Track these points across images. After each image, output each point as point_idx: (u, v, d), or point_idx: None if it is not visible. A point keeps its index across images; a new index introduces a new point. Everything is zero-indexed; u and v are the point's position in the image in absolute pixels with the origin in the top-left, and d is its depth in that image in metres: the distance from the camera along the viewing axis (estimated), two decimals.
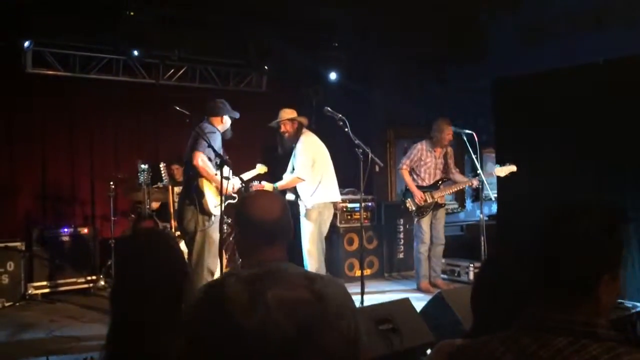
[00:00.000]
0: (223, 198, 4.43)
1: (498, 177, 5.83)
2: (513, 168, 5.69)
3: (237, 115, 5.01)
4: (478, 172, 5.64)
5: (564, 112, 5.63)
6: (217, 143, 4.59)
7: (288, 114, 5.49)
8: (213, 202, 4.63)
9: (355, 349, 1.65)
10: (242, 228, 1.89)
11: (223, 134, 4.86)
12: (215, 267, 4.64)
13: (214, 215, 4.65)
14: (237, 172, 4.86)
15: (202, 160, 4.53)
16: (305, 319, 1.58)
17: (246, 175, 5.20)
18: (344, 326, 1.64)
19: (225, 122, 4.91)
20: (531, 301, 1.26)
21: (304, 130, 5.47)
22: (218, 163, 4.35)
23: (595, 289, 1.18)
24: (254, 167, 5.57)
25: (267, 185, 5.29)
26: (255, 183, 5.35)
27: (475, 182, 5.74)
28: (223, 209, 4.38)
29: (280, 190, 5.33)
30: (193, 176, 4.65)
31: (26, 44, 5.81)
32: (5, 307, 5.46)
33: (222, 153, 4.50)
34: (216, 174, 4.47)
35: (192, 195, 4.64)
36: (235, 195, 4.80)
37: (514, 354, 1.18)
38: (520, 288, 1.43)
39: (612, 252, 1.19)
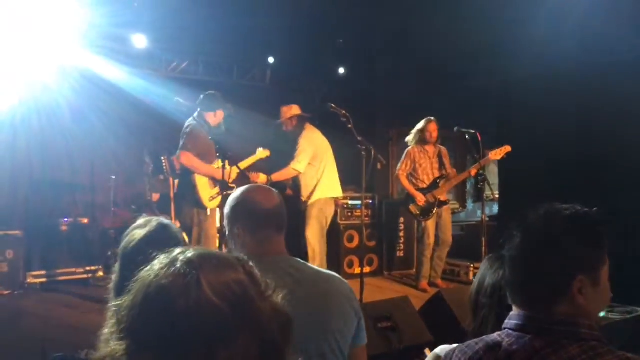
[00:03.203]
0: (220, 189, 4.44)
1: (500, 166, 5.81)
2: (507, 148, 5.67)
3: (231, 109, 4.97)
4: (481, 171, 5.61)
5: (568, 113, 5.61)
6: (202, 139, 4.57)
7: (285, 112, 5.53)
8: (207, 194, 4.64)
9: None
10: (247, 222, 1.86)
11: (217, 128, 4.84)
12: None
13: (209, 209, 4.65)
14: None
15: (188, 158, 4.55)
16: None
17: (246, 162, 5.19)
18: None
19: (217, 116, 4.87)
20: (514, 303, 1.30)
21: (307, 125, 5.49)
22: (218, 155, 4.36)
23: (569, 290, 1.20)
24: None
25: (262, 176, 5.27)
26: (252, 173, 5.35)
27: (473, 171, 5.69)
28: (222, 200, 4.39)
29: (275, 182, 5.33)
30: (186, 172, 4.67)
31: None
32: (3, 296, 5.44)
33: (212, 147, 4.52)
34: (216, 164, 4.48)
35: (186, 190, 4.66)
36: (232, 185, 4.79)
37: (495, 355, 1.22)
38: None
39: (582, 254, 1.22)
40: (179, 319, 0.79)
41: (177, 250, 0.87)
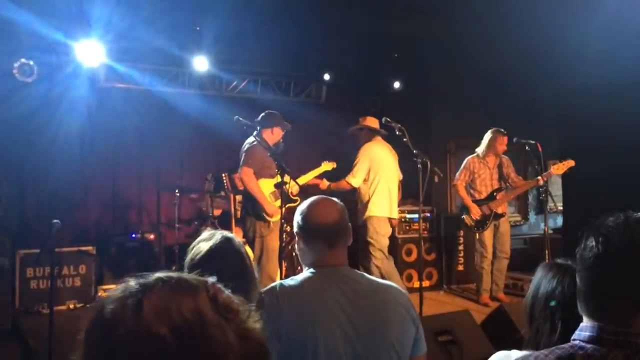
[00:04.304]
0: (282, 202, 4.54)
1: (562, 178, 5.66)
2: (571, 163, 5.50)
3: (288, 127, 5.08)
4: (544, 183, 5.48)
5: (632, 122, 5.42)
6: (260, 155, 4.70)
7: (360, 122, 5.60)
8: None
9: None
10: (303, 233, 1.95)
11: (275, 146, 4.96)
12: (275, 274, 4.73)
13: (272, 222, 4.75)
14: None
15: (248, 174, 4.68)
16: None
17: (309, 175, 5.29)
18: None
19: (275, 134, 4.99)
20: (586, 314, 1.25)
21: (375, 138, 5.50)
22: (277, 169, 4.47)
23: None
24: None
25: (324, 182, 5.37)
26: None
27: (541, 181, 5.53)
28: (283, 213, 4.50)
29: (334, 190, 5.37)
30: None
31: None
32: (77, 309, 5.73)
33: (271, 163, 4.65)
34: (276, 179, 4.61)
35: (248, 203, 4.80)
36: (296, 198, 4.88)
37: None
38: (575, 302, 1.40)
39: None
40: (114, 348, 0.72)
41: (152, 274, 0.82)
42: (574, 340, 1.23)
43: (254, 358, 0.77)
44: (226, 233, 2.12)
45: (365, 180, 5.42)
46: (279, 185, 4.50)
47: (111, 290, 0.80)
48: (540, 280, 1.76)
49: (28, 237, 6.13)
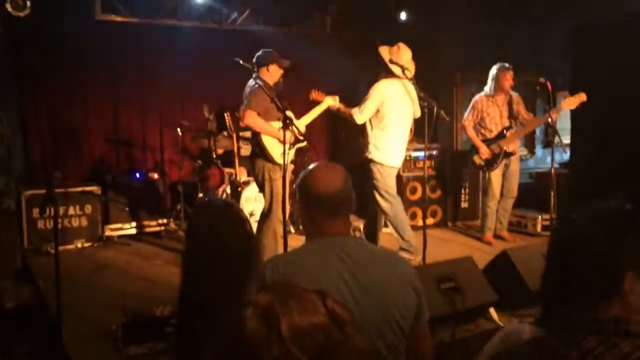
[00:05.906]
0: (287, 147, 4.44)
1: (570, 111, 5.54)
2: (583, 97, 5.32)
3: (286, 63, 4.84)
4: (552, 115, 5.36)
5: None
6: (260, 96, 4.52)
7: (386, 51, 5.06)
8: (277, 151, 4.62)
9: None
10: (304, 201, 1.90)
11: (275, 86, 4.77)
12: (280, 222, 4.72)
13: (280, 165, 4.64)
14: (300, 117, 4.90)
15: (252, 117, 4.53)
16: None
17: (314, 112, 5.06)
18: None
19: (272, 72, 4.74)
20: (559, 301, 1.26)
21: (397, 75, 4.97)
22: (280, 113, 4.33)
23: (620, 286, 1.17)
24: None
25: (335, 99, 5.09)
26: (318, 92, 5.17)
27: (554, 116, 5.37)
28: (293, 156, 4.43)
29: (340, 114, 5.17)
30: (254, 131, 4.71)
31: None
32: (85, 248, 5.82)
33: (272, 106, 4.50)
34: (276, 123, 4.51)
35: (256, 147, 4.70)
36: (302, 137, 4.70)
37: (544, 355, 1.18)
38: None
39: (632, 249, 1.18)
40: None
41: (256, 288, 0.83)
42: (550, 328, 1.24)
43: None
44: (226, 201, 2.07)
45: (371, 121, 5.06)
46: (284, 128, 4.35)
47: (247, 298, 0.82)
48: None
49: (33, 177, 6.15)
